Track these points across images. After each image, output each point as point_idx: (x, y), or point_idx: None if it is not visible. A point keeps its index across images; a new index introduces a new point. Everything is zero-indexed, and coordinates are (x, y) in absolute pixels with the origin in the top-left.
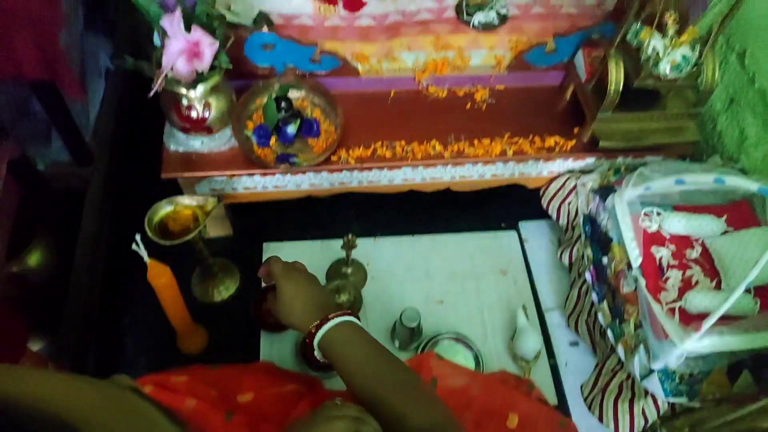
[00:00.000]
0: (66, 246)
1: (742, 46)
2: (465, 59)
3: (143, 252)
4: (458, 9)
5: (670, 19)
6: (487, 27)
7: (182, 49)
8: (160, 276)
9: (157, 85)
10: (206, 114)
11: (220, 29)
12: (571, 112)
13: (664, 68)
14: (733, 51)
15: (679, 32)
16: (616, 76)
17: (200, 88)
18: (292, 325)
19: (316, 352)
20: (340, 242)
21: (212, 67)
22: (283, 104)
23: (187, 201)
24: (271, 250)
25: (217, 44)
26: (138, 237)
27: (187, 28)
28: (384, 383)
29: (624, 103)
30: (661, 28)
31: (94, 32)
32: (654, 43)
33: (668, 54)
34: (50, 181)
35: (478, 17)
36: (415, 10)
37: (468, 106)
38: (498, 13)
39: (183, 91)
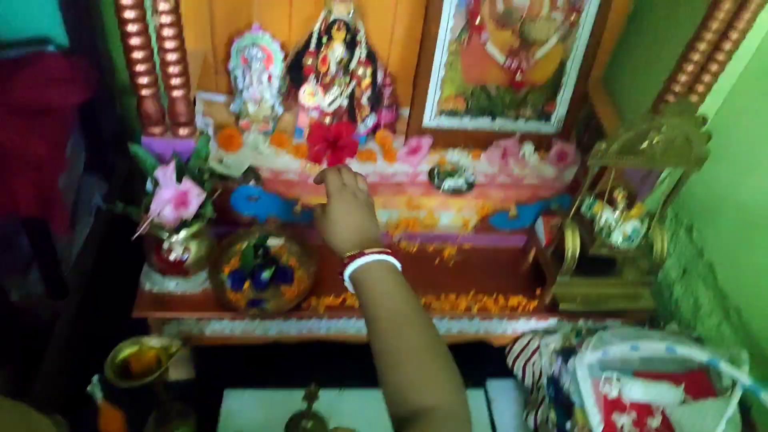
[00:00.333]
0: (25, 381)
1: (690, 221)
2: (435, 219)
3: (98, 395)
4: (430, 175)
5: (620, 196)
6: (456, 192)
7: (171, 198)
8: (112, 421)
9: (142, 229)
10: (185, 257)
11: (209, 182)
12: (533, 274)
13: (617, 239)
14: (682, 225)
15: (629, 207)
16: (572, 243)
17: (182, 234)
18: (332, 246)
19: (346, 283)
20: (302, 392)
21: (197, 215)
22: (260, 251)
23: (152, 342)
24: (232, 397)
25: (204, 195)
26: (96, 378)
27: (179, 179)
28: (403, 341)
29: (582, 269)
30: (613, 203)
31: (92, 173)
32: (606, 215)
33: (620, 226)
34: (20, 312)
35: (448, 183)
36: (391, 173)
37: (436, 261)
38: (466, 181)
39: (166, 235)
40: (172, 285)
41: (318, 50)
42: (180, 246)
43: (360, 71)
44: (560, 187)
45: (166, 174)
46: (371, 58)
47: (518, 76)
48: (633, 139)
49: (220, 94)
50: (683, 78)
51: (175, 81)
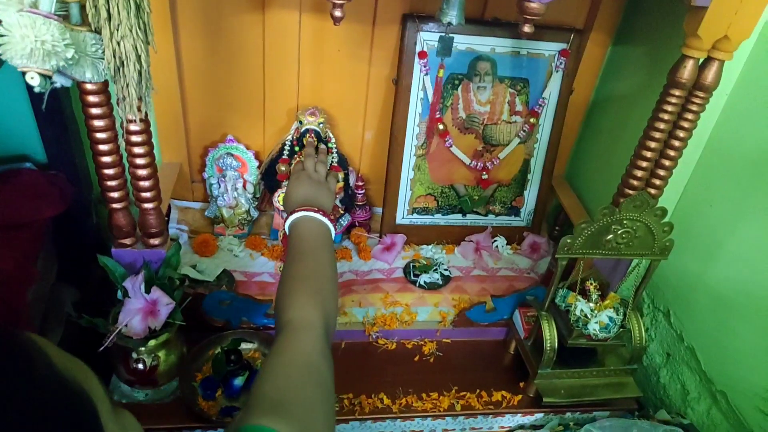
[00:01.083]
0: None
1: (666, 306)
2: (412, 315)
3: None
4: (406, 270)
5: (592, 287)
6: (432, 286)
7: (140, 308)
8: None
9: (108, 341)
10: (154, 367)
11: (180, 290)
12: (515, 366)
13: (594, 329)
14: (659, 311)
15: (603, 297)
16: (550, 335)
17: (151, 343)
18: (285, 209)
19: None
20: None
21: (166, 324)
22: (232, 356)
23: None
24: None
25: (173, 304)
26: None
27: (148, 289)
28: (291, 270)
29: (563, 360)
30: (586, 293)
31: (65, 281)
32: (581, 306)
33: (595, 316)
34: None
35: (424, 278)
36: (367, 270)
37: (416, 358)
38: (441, 275)
39: (134, 346)
40: (141, 396)
41: (291, 158)
42: (149, 356)
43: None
44: (535, 278)
45: (134, 285)
46: (342, 163)
47: (484, 175)
48: (596, 233)
49: (195, 202)
50: (639, 173)
51: (146, 195)
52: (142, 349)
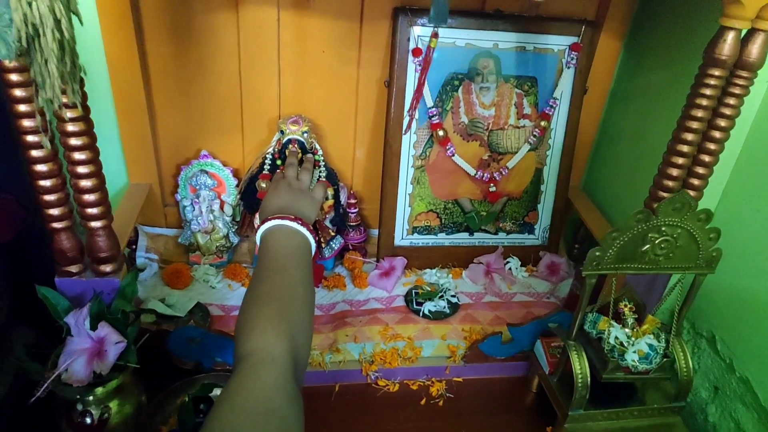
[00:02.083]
0: None
1: (710, 330)
2: (416, 350)
3: None
4: (408, 298)
5: (626, 309)
6: (438, 316)
7: (84, 349)
8: None
9: (41, 391)
10: (104, 421)
11: (134, 326)
12: (540, 408)
13: (632, 359)
14: (702, 336)
15: (639, 321)
16: (581, 368)
17: (98, 392)
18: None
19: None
20: None
21: (117, 367)
22: (202, 406)
23: None
24: None
25: (124, 343)
26: None
27: (94, 326)
28: (255, 288)
29: (597, 399)
30: (619, 317)
31: (18, 320)
32: (615, 333)
33: (633, 344)
34: None
35: (428, 306)
36: (363, 299)
37: (423, 401)
38: (449, 302)
39: (73, 395)
40: None
41: (273, 173)
42: (97, 407)
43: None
44: (556, 303)
45: (78, 320)
46: (332, 178)
47: (492, 188)
48: (630, 243)
49: (169, 228)
50: (675, 172)
51: (92, 211)
52: (90, 398)
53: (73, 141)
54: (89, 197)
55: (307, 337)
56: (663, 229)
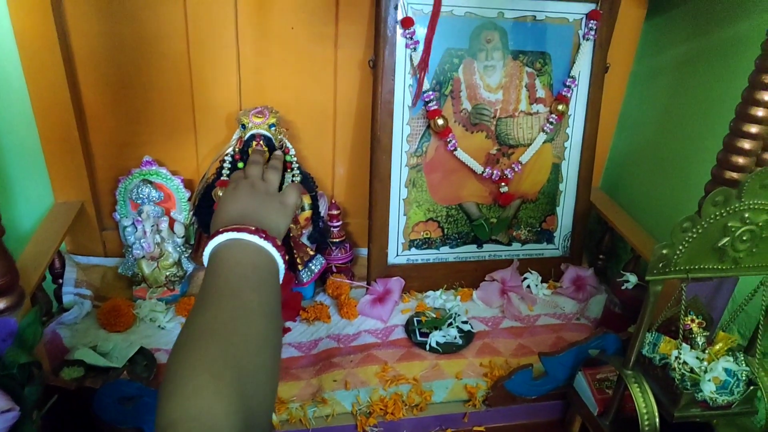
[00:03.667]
0: None
1: None
2: (425, 394)
3: None
4: (408, 328)
5: (694, 325)
6: (448, 349)
7: None
8: None
9: None
10: None
11: (36, 385)
12: None
13: (709, 390)
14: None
15: (709, 340)
16: (645, 406)
17: None
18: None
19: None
20: None
21: None
22: None
23: None
24: None
25: (16, 412)
26: None
27: None
28: (199, 327)
29: None
30: (685, 336)
31: None
32: (684, 357)
33: (707, 370)
34: None
35: (436, 337)
36: (353, 333)
37: None
38: (460, 330)
39: None
40: None
41: None
42: None
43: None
44: (587, 325)
45: None
46: (308, 184)
47: (503, 188)
48: (705, 235)
49: (109, 257)
50: (747, 144)
51: None
52: None
53: None
54: None
55: (268, 391)
56: (746, 215)
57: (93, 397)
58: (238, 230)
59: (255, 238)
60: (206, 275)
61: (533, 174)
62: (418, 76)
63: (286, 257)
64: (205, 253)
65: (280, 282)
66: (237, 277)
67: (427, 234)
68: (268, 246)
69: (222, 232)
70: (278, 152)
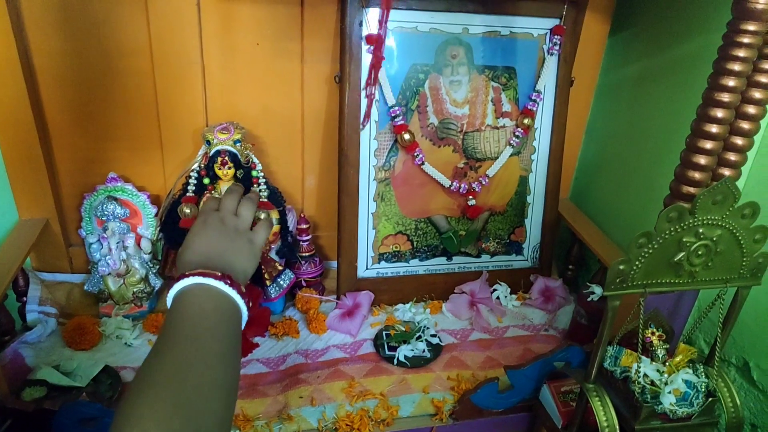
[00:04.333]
0: None
1: (740, 356)
2: (392, 409)
3: None
4: (377, 342)
5: (654, 337)
6: (416, 363)
7: None
8: None
9: None
10: None
11: None
12: None
13: (669, 402)
14: (731, 363)
15: (670, 351)
16: (607, 419)
17: None
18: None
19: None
20: None
21: None
22: None
23: None
24: None
25: None
26: None
27: None
28: (151, 375)
29: None
30: (646, 349)
31: None
32: (645, 369)
33: (667, 382)
34: None
35: (404, 351)
36: (321, 348)
37: None
38: (428, 344)
39: None
40: None
41: (199, 195)
42: None
43: (262, 216)
44: (556, 336)
45: None
46: (275, 199)
47: (471, 201)
48: (661, 250)
49: (75, 274)
50: (703, 160)
51: None
52: None
53: None
54: None
55: None
56: (701, 231)
57: (52, 419)
58: (204, 275)
59: (220, 285)
60: (167, 318)
61: (501, 187)
62: (366, 93)
63: (249, 304)
64: (168, 295)
65: (242, 329)
66: (198, 323)
67: (396, 247)
68: (232, 293)
69: (187, 276)
70: (256, 189)
